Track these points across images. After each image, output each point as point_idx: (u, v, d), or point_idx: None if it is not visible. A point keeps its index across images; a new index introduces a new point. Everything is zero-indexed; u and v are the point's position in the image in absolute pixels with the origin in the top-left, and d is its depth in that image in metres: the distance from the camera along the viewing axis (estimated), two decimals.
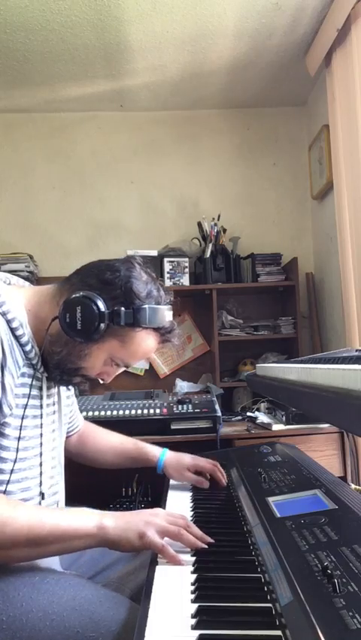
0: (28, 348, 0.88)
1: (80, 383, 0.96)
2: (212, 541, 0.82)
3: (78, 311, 0.85)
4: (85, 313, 0.85)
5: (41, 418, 0.94)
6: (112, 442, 1.25)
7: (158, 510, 0.86)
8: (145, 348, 0.95)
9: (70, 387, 1.05)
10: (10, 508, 0.76)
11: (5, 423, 0.84)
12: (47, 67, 2.23)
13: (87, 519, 0.79)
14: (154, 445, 1.23)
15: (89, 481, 1.36)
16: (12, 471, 0.85)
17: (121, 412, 1.74)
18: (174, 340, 1.00)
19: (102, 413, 1.74)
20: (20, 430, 0.87)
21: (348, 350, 1.36)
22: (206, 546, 0.81)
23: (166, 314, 0.94)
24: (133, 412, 1.74)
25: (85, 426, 1.27)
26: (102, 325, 0.86)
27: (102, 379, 0.97)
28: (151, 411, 1.74)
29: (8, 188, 2.61)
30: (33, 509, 0.80)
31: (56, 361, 0.91)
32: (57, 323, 0.87)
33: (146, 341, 0.94)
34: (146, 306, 0.89)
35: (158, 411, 1.74)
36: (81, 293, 0.87)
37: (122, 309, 0.87)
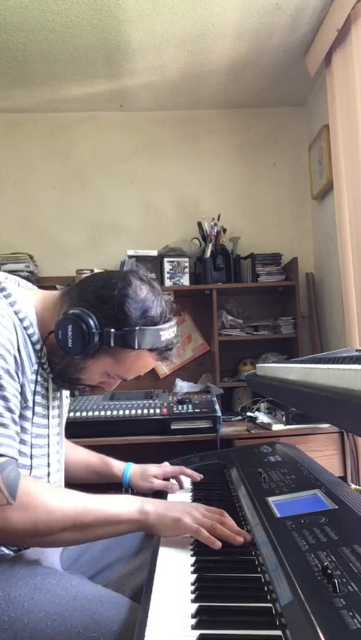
0: (38, 347, 0.90)
1: (83, 389, 0.99)
2: (249, 538, 0.82)
3: (69, 329, 0.86)
4: (75, 332, 0.86)
5: (48, 418, 0.96)
6: (79, 455, 1.21)
7: (198, 504, 0.89)
8: (140, 366, 0.95)
9: (74, 391, 1.07)
10: (58, 495, 0.81)
11: (23, 415, 0.86)
12: (47, 67, 2.23)
13: (130, 505, 0.83)
14: (118, 461, 1.20)
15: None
16: (31, 466, 0.88)
17: (121, 412, 1.74)
18: (172, 359, 0.99)
19: (102, 413, 1.74)
20: (32, 426, 0.89)
21: (348, 350, 1.36)
22: (242, 541, 0.81)
23: (162, 334, 0.91)
24: (133, 412, 1.74)
25: None
26: (91, 344, 0.87)
27: (104, 388, 0.99)
28: (151, 411, 1.74)
29: (8, 188, 2.61)
30: (79, 496, 0.83)
31: (57, 370, 0.94)
32: (52, 336, 0.89)
33: (140, 360, 0.94)
34: (137, 328, 0.87)
35: (158, 411, 1.75)
36: (75, 310, 0.87)
37: (113, 330, 0.87)
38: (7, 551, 0.88)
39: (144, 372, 0.99)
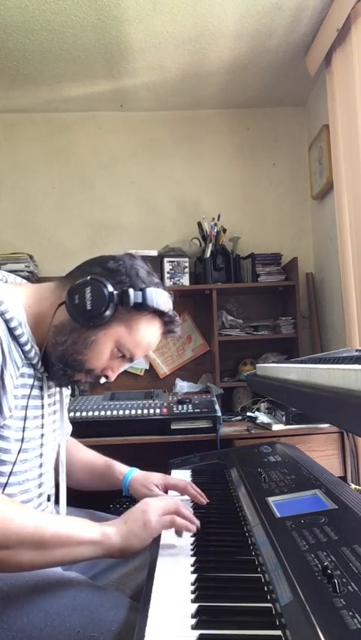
0: (27, 348, 0.86)
1: (82, 380, 0.93)
2: (198, 524, 0.85)
3: (87, 291, 0.85)
4: (94, 293, 0.85)
5: (42, 418, 0.93)
6: (84, 457, 1.17)
7: (145, 500, 0.86)
8: (150, 336, 0.94)
9: (70, 386, 1.02)
10: (16, 506, 0.75)
11: (5, 425, 0.82)
12: (47, 67, 2.23)
13: (90, 526, 0.78)
14: (124, 465, 1.15)
15: None
16: (11, 473, 0.84)
17: (121, 412, 1.74)
18: (177, 330, 0.99)
19: (102, 413, 1.74)
20: (23, 431, 0.85)
21: (348, 350, 1.36)
22: (194, 529, 0.84)
23: (169, 301, 0.94)
24: (133, 412, 1.74)
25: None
26: (111, 306, 0.86)
27: (106, 376, 0.94)
28: (151, 411, 1.74)
29: (8, 187, 2.61)
30: (37, 512, 0.79)
31: (59, 353, 0.88)
32: (62, 311, 0.86)
33: (151, 327, 0.93)
34: (152, 287, 0.90)
35: (158, 411, 1.75)
36: (88, 277, 0.87)
37: (131, 290, 0.88)
38: None
39: (150, 349, 0.97)
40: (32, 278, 2.32)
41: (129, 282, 0.89)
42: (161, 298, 0.91)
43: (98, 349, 0.89)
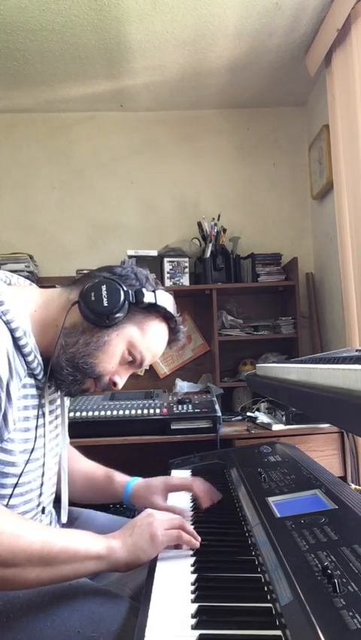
0: (30, 358, 0.83)
1: (91, 389, 0.91)
2: (199, 540, 0.82)
3: (104, 289, 0.85)
4: (110, 291, 0.85)
5: (44, 427, 0.91)
6: (83, 468, 1.13)
7: (149, 511, 0.84)
8: (159, 341, 0.95)
9: (76, 395, 1.01)
10: (22, 522, 0.73)
11: (9, 439, 0.80)
12: (47, 67, 2.23)
13: (96, 540, 0.76)
14: (124, 475, 1.11)
15: None
16: (16, 485, 0.82)
17: (121, 412, 1.74)
18: (181, 338, 1.00)
19: (102, 413, 1.74)
20: (26, 442, 0.84)
21: (348, 350, 1.36)
22: (197, 545, 0.81)
23: (175, 307, 0.97)
24: (133, 412, 1.74)
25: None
26: (126, 305, 0.87)
27: (114, 383, 0.92)
28: (151, 411, 1.74)
29: (8, 188, 2.61)
30: (43, 527, 0.78)
31: (70, 355, 0.85)
32: (74, 311, 0.86)
33: (160, 331, 0.95)
34: (162, 289, 0.93)
35: (158, 411, 1.75)
36: (103, 276, 0.89)
37: (144, 289, 0.90)
38: None
39: (158, 356, 0.98)
40: (32, 278, 2.32)
41: (139, 284, 0.91)
42: (170, 302, 0.94)
43: (110, 351, 0.88)
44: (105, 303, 0.85)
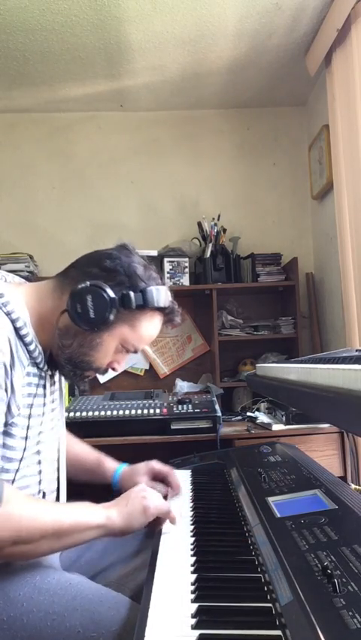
0: (32, 347, 0.87)
1: (92, 375, 0.97)
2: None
3: (89, 300, 0.86)
4: (96, 301, 0.86)
5: (43, 416, 0.94)
6: (74, 451, 1.18)
7: (142, 486, 0.93)
8: (152, 330, 0.97)
9: (80, 382, 1.06)
10: (35, 503, 0.82)
11: (13, 423, 0.84)
12: (47, 67, 2.23)
13: (95, 511, 0.84)
14: (114, 461, 1.18)
15: None
16: (17, 470, 0.86)
17: (121, 412, 1.74)
18: (177, 319, 1.02)
19: (102, 413, 1.74)
20: (27, 429, 0.88)
21: (348, 350, 1.36)
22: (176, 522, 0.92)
23: (168, 294, 0.97)
24: (133, 412, 1.74)
25: None
26: (114, 311, 0.87)
27: (113, 369, 0.98)
28: (151, 411, 1.74)
29: (8, 188, 2.61)
30: (53, 505, 0.85)
31: (67, 355, 0.90)
32: (65, 316, 0.88)
33: (152, 322, 0.96)
34: (152, 287, 0.92)
35: (158, 411, 1.75)
36: (88, 282, 0.88)
37: (131, 292, 0.89)
38: None
39: (152, 340, 1.00)
40: (32, 278, 2.32)
41: (128, 282, 0.91)
42: (161, 295, 0.93)
43: (104, 350, 0.92)
44: (92, 315, 0.86)
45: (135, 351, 0.97)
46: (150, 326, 0.96)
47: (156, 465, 1.16)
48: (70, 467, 1.15)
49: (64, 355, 0.90)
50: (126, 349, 0.95)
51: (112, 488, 1.15)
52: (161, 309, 0.96)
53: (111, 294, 0.87)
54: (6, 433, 0.83)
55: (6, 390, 0.81)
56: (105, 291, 0.87)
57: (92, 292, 0.86)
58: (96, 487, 1.17)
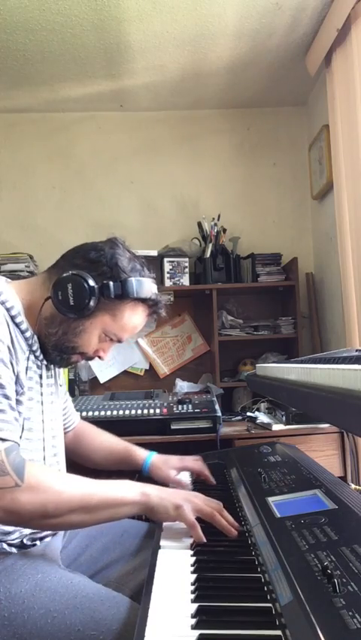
0: (28, 334, 0.92)
1: (79, 360, 1.01)
2: (238, 530, 0.86)
3: (69, 288, 0.90)
4: (76, 289, 0.90)
5: (42, 404, 0.98)
6: (104, 442, 1.25)
7: (197, 493, 0.92)
8: (134, 321, 1.00)
9: (69, 366, 1.10)
10: (65, 478, 0.85)
11: (19, 401, 0.88)
12: (47, 67, 2.23)
13: (132, 487, 0.87)
14: (143, 449, 1.23)
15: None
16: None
17: (121, 412, 1.74)
18: (161, 312, 1.05)
19: (102, 413, 1.74)
20: (28, 411, 0.91)
21: (348, 350, 1.36)
22: (235, 534, 0.85)
23: (151, 286, 0.99)
24: (133, 412, 1.74)
25: (81, 424, 1.30)
26: (93, 299, 0.91)
27: (99, 356, 1.02)
28: (151, 411, 1.74)
29: (8, 188, 2.61)
30: (83, 479, 0.85)
31: (53, 342, 0.96)
32: (50, 305, 0.92)
33: (135, 313, 0.99)
34: (132, 278, 0.95)
35: (158, 411, 1.75)
36: (70, 272, 0.92)
37: (111, 282, 0.93)
38: (8, 548, 0.89)
39: (136, 331, 1.03)
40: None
41: (110, 272, 0.95)
42: (142, 286, 0.97)
43: (87, 337, 0.97)
44: (72, 302, 0.91)
45: (119, 341, 1.01)
46: (133, 316, 0.99)
47: (188, 463, 1.20)
48: (99, 457, 1.22)
49: (50, 343, 0.96)
50: (110, 338, 0.99)
51: (142, 475, 1.18)
52: (143, 300, 0.99)
53: (92, 282, 0.91)
54: (18, 403, 0.87)
55: (12, 364, 0.85)
56: (86, 280, 0.91)
57: (72, 281, 0.91)
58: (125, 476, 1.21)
